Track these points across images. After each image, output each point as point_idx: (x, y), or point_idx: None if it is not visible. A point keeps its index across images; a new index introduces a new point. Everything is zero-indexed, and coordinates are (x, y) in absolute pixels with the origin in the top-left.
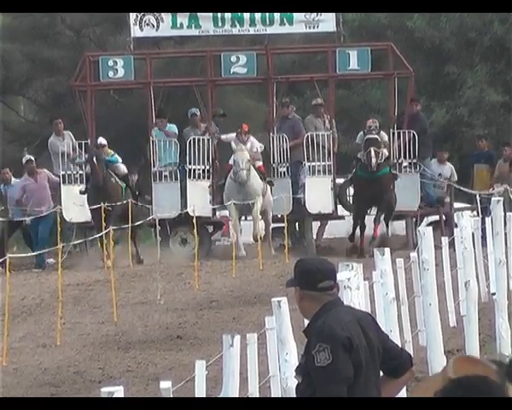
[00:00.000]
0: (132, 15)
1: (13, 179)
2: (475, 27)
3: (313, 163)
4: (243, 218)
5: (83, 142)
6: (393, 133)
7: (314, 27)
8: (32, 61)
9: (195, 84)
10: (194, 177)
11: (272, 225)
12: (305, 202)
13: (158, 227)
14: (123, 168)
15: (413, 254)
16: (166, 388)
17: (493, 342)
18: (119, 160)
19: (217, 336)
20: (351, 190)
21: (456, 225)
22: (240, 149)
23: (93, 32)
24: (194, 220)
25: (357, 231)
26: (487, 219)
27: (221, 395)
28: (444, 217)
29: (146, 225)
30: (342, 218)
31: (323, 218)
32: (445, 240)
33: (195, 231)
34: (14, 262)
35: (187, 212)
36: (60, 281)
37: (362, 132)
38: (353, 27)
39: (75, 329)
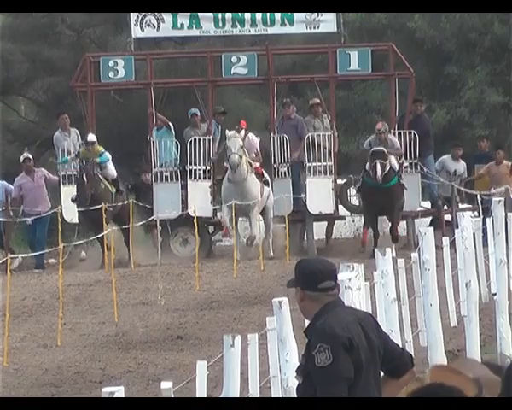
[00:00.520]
0: (133, 16)
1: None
2: (476, 28)
3: (314, 163)
4: (244, 219)
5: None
6: (394, 134)
7: (315, 28)
8: (32, 61)
9: (196, 85)
10: (195, 177)
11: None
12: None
13: (159, 228)
14: (112, 171)
15: (414, 255)
16: (167, 388)
17: (494, 342)
18: (109, 157)
19: (217, 336)
20: (352, 191)
21: (457, 226)
22: (233, 135)
23: (93, 33)
24: (195, 221)
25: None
26: (488, 220)
27: (222, 396)
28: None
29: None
30: (343, 218)
31: (325, 218)
32: (445, 240)
33: (196, 231)
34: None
35: (187, 212)
36: (60, 281)
37: (370, 139)
38: (354, 28)
39: (76, 329)
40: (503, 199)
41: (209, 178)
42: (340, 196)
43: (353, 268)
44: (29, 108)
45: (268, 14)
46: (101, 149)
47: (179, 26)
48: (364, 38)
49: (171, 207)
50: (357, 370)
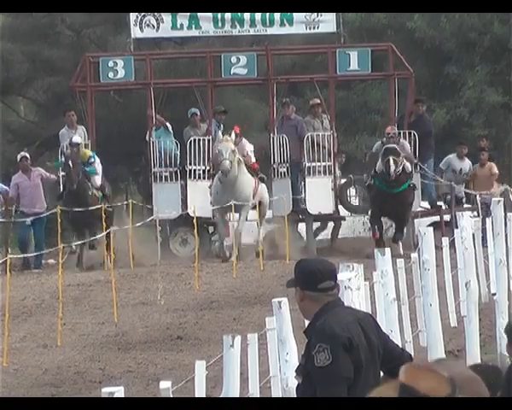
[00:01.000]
0: (132, 16)
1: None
2: (475, 28)
3: (313, 164)
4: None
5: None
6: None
7: (314, 28)
8: (32, 61)
9: (195, 85)
10: (195, 177)
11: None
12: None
13: (158, 228)
14: (98, 182)
15: (414, 255)
16: (166, 388)
17: (494, 342)
18: (97, 171)
19: (217, 336)
20: (351, 191)
21: (457, 226)
22: (224, 139)
23: (93, 33)
24: (195, 221)
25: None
26: (488, 220)
27: (221, 396)
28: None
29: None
30: (343, 219)
31: (325, 218)
32: (445, 241)
33: (196, 231)
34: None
35: (187, 212)
36: (60, 281)
37: (380, 142)
38: (353, 28)
39: (75, 329)
40: (502, 199)
41: (209, 178)
42: (339, 196)
43: (353, 268)
44: (29, 108)
45: (267, 14)
46: (89, 153)
47: (179, 26)
48: (364, 38)
49: (171, 207)
50: (356, 370)
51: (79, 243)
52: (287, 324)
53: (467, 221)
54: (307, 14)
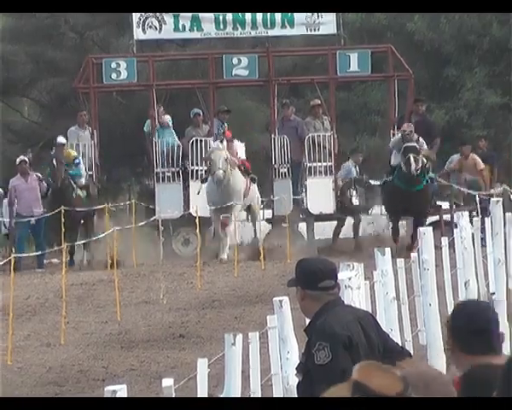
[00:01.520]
0: (135, 18)
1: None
2: (474, 30)
3: (314, 164)
4: (245, 219)
5: (87, 143)
6: (394, 135)
7: (315, 30)
8: (35, 62)
9: (197, 87)
10: (197, 178)
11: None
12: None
13: (161, 228)
14: (82, 181)
15: (413, 255)
16: (169, 386)
17: None
18: (82, 172)
19: (219, 335)
20: (352, 191)
21: (456, 226)
22: (217, 147)
23: (96, 35)
24: (197, 221)
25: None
26: (487, 220)
27: (223, 394)
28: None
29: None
30: (343, 218)
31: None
32: (444, 240)
33: (198, 231)
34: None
35: (189, 212)
36: (64, 281)
37: (397, 137)
38: (353, 30)
39: (79, 328)
40: (501, 199)
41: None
42: (340, 196)
43: (353, 268)
44: (32, 108)
45: (268, 16)
46: (74, 154)
47: (181, 28)
48: (364, 39)
49: (173, 207)
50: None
51: (81, 242)
52: (288, 322)
53: (466, 221)
54: (308, 15)
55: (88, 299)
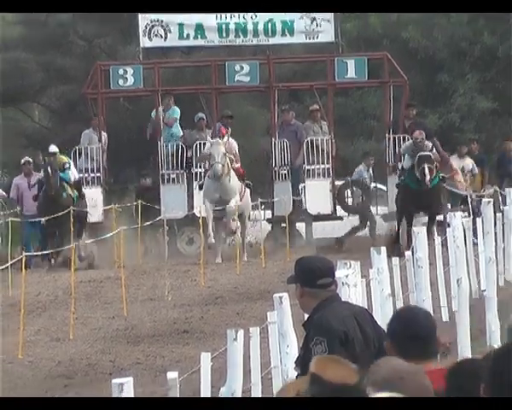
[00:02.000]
0: (141, 26)
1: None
2: (466, 38)
3: (313, 166)
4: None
5: (94, 147)
6: (389, 138)
7: (314, 38)
8: (46, 70)
9: (201, 92)
10: (201, 179)
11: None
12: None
13: (166, 227)
14: (72, 178)
15: (408, 253)
16: (173, 378)
17: (484, 336)
18: (70, 176)
19: (221, 330)
20: (349, 193)
21: (449, 225)
22: (216, 142)
23: (104, 43)
24: (201, 221)
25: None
26: (478, 220)
27: (225, 386)
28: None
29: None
30: (340, 219)
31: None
32: (437, 239)
33: (201, 231)
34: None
35: (193, 213)
36: (72, 278)
37: (408, 142)
38: (351, 38)
39: (87, 323)
40: (492, 200)
41: None
42: (338, 197)
43: (350, 266)
44: (43, 114)
45: (269, 24)
46: (65, 159)
47: (185, 36)
48: (361, 47)
49: (178, 207)
50: (352, 362)
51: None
52: (287, 318)
53: (458, 221)
54: (307, 24)
55: (96, 296)
